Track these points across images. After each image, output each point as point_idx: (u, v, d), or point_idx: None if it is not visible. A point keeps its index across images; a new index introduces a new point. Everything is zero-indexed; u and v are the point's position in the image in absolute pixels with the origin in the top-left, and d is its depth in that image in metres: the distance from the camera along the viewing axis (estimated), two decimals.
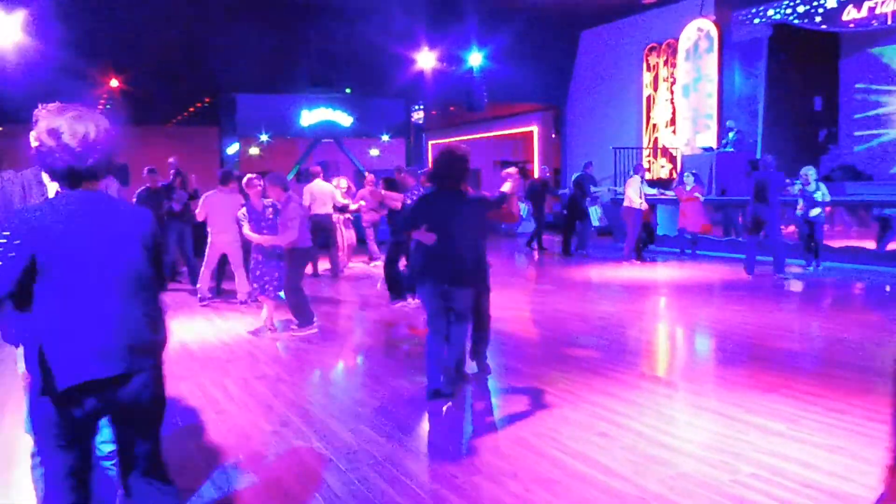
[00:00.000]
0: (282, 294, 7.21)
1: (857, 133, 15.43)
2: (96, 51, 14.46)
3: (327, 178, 11.95)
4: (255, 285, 7.14)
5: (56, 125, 2.25)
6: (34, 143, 2.29)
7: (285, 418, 4.58)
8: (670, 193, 13.80)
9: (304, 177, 11.56)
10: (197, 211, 8.81)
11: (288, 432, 4.31)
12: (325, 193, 11.07)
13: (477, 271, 4.87)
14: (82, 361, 2.18)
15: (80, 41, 13.65)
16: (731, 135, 15.02)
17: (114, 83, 15.88)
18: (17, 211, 2.39)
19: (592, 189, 14.12)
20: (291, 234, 6.90)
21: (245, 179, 7.34)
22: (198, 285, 9.12)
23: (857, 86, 15.40)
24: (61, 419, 2.23)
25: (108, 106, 18.08)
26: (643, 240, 12.97)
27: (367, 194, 10.91)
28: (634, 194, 12.42)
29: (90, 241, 2.23)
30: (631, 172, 14.25)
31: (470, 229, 4.76)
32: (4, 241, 2.15)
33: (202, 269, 8.98)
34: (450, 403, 4.71)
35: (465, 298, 4.77)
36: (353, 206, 11.48)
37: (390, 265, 8.70)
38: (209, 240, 8.79)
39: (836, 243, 11.76)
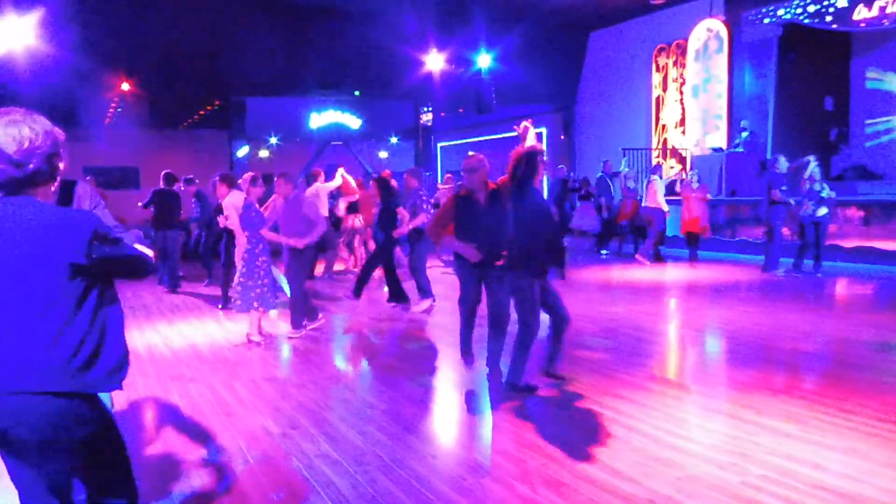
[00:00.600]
0: (286, 289, 7.16)
1: (868, 122, 15.27)
2: (107, 55, 14.56)
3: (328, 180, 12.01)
4: (256, 292, 6.66)
5: None
6: None
7: (293, 420, 4.59)
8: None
9: (312, 178, 11.64)
10: (229, 222, 8.74)
11: (296, 434, 4.32)
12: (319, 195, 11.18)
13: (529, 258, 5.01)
14: None
15: (91, 45, 13.75)
16: (744, 135, 14.95)
17: (125, 87, 15.98)
18: None
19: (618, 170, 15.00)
20: (322, 227, 6.91)
21: (250, 177, 7.10)
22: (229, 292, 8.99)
23: (868, 85, 15.29)
24: None
25: (119, 109, 18.20)
26: (638, 239, 13.11)
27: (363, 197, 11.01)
28: (661, 197, 12.45)
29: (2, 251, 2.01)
30: (643, 173, 14.23)
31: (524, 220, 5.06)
32: None
33: (229, 274, 8.85)
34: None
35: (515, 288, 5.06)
36: (341, 205, 11.53)
37: (371, 264, 9.02)
38: (238, 243, 8.68)
39: (848, 243, 11.68)
